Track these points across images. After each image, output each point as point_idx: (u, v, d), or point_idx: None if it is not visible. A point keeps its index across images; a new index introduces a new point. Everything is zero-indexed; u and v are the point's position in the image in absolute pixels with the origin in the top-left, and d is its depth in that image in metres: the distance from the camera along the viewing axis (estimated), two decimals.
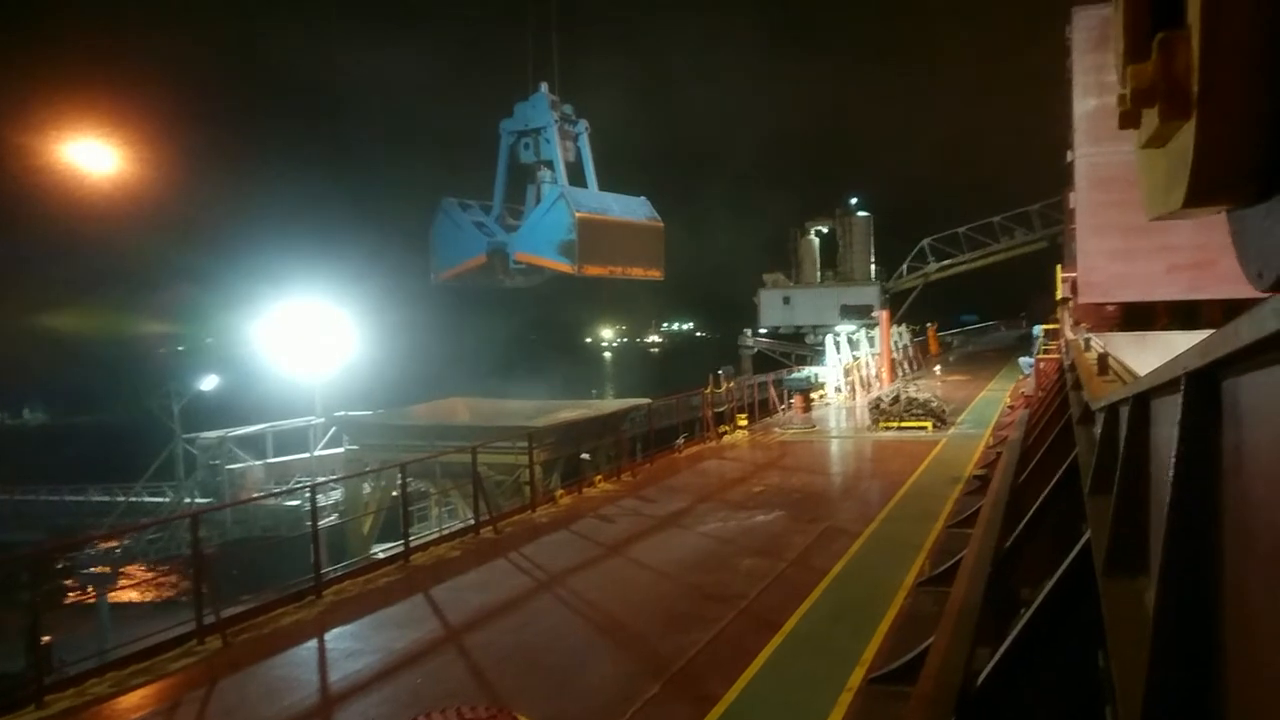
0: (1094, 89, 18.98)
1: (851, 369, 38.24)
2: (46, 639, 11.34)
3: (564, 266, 20.92)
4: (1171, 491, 1.99)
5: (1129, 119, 1.20)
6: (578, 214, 20.37)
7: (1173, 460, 1.99)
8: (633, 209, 22.53)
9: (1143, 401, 3.16)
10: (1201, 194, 1.03)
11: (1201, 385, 1.90)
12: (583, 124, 22.15)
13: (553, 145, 21.51)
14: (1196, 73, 0.96)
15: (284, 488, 31.71)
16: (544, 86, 21.56)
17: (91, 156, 37.80)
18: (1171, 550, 2.00)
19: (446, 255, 23.54)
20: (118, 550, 29.13)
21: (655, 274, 23.01)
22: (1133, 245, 17.65)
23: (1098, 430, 4.94)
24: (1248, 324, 1.35)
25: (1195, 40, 0.96)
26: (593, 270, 21.13)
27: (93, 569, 28.36)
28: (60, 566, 29.40)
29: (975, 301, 76.07)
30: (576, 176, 22.26)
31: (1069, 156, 20.62)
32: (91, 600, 28.19)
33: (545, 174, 21.95)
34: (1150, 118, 1.13)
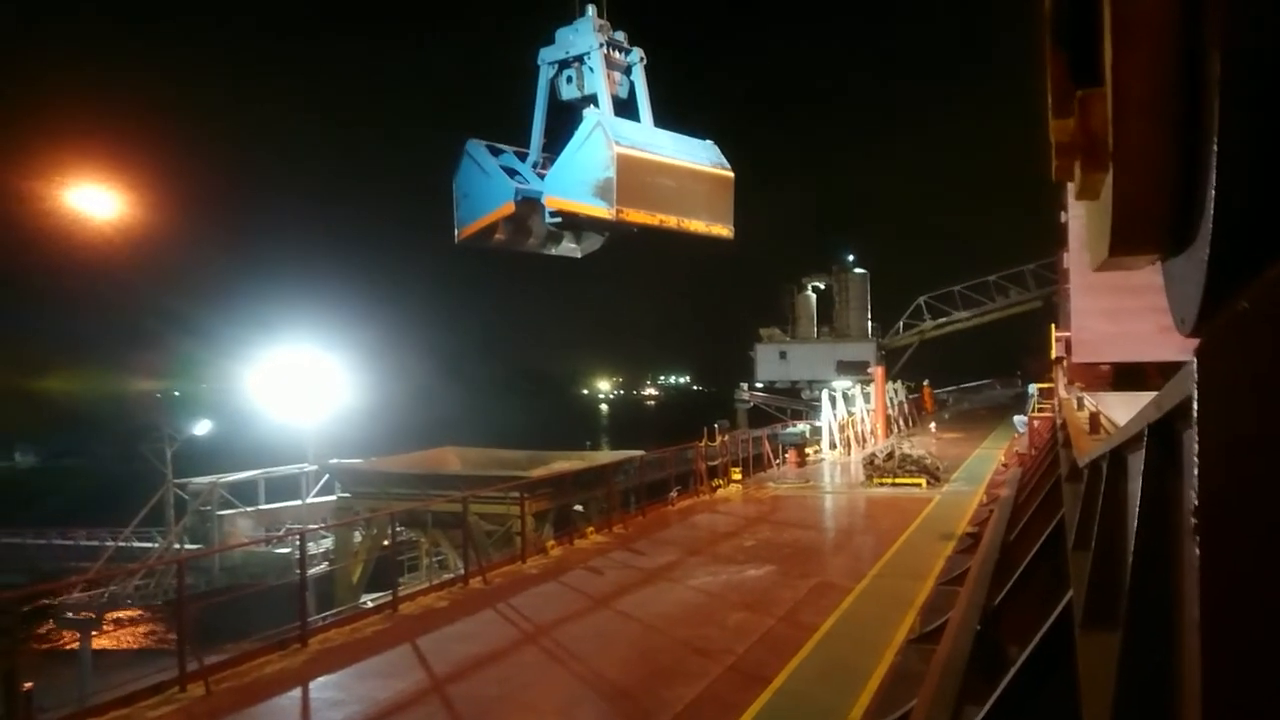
0: None
1: (846, 425, 38.22)
2: (27, 685, 11.18)
3: (600, 211, 17.20)
4: (1134, 544, 2.00)
5: (1062, 171, 1.24)
6: (617, 146, 16.88)
7: (1136, 513, 2.00)
8: (694, 152, 18.73)
9: (1118, 456, 3.18)
10: (1123, 244, 1.07)
11: (1162, 437, 1.92)
12: (636, 53, 18.72)
13: (597, 74, 18.18)
14: (1111, 129, 1.01)
15: (273, 535, 31.43)
16: (590, 9, 18.73)
17: (86, 203, 37.88)
18: (1135, 604, 2.01)
19: (470, 207, 19.86)
20: (103, 596, 28.77)
21: (722, 231, 18.82)
22: (1124, 305, 17.72)
23: (1082, 487, 4.95)
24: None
25: (1109, 98, 1.01)
26: (635, 217, 17.28)
27: (76, 614, 27.98)
28: (42, 610, 29.02)
29: (970, 360, 76.16)
30: (629, 116, 18.91)
31: (1063, 217, 20.85)
32: (73, 646, 27.78)
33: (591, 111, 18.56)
34: (1079, 171, 1.17)
